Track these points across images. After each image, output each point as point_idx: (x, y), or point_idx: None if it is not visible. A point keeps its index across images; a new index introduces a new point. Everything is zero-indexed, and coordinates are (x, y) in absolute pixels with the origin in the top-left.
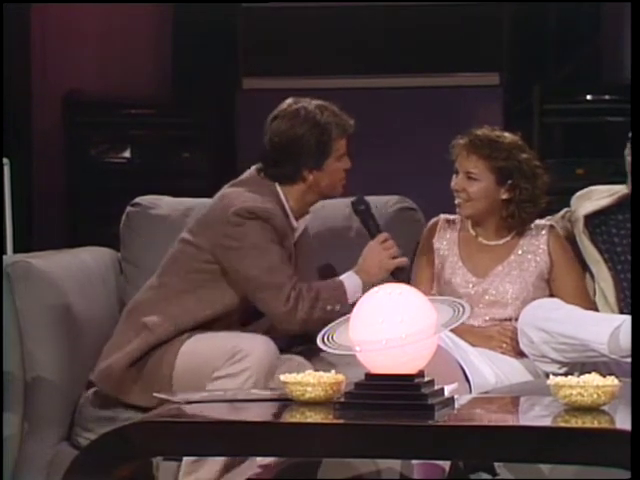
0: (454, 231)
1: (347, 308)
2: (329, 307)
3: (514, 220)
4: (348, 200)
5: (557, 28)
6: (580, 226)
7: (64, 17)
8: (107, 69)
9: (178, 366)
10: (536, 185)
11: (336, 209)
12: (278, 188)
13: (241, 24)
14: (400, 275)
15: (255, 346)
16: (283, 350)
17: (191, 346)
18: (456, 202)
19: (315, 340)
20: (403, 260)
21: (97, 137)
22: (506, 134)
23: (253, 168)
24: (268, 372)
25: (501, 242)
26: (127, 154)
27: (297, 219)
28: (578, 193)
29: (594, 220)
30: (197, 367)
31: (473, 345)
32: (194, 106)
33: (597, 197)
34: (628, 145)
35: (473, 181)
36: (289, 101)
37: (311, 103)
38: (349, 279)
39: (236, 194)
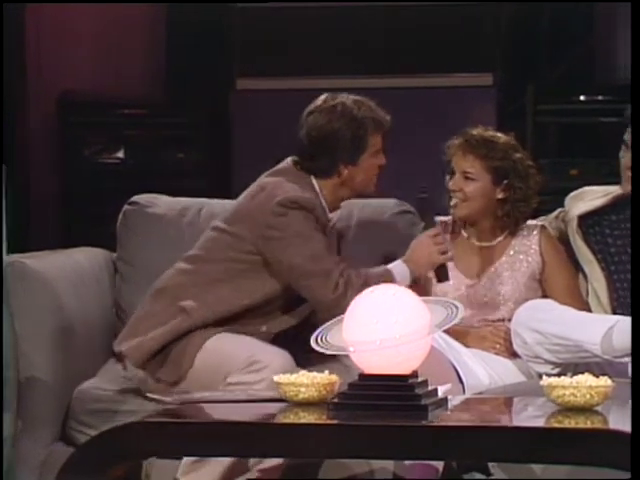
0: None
1: None
2: None
3: (508, 220)
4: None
5: (550, 28)
6: (574, 226)
7: (58, 17)
8: (101, 69)
9: (197, 361)
10: (529, 185)
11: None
12: (314, 181)
13: (235, 24)
14: (442, 272)
15: (273, 359)
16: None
17: (213, 344)
18: (452, 203)
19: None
20: (450, 256)
21: (91, 137)
22: (499, 134)
23: (289, 160)
24: None
25: (493, 243)
26: (121, 154)
27: (331, 212)
28: (572, 194)
29: (587, 220)
30: (213, 367)
31: (466, 346)
32: (188, 106)
33: (591, 197)
34: (623, 147)
35: (470, 181)
36: (326, 96)
37: (348, 98)
38: (397, 268)
39: (277, 184)
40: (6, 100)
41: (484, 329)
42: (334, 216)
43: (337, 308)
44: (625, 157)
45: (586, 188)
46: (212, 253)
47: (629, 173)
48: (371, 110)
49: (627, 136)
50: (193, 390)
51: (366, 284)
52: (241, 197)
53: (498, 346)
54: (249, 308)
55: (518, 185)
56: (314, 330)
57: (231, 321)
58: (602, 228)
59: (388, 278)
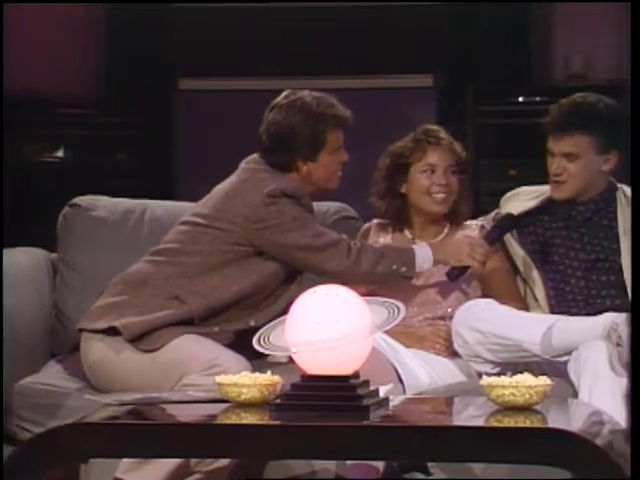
0: (387, 234)
1: (414, 273)
2: (394, 266)
3: (454, 218)
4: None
5: (489, 30)
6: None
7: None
8: (41, 69)
9: (161, 354)
10: (467, 183)
11: None
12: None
13: (177, 24)
14: (456, 274)
15: (233, 364)
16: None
17: (179, 342)
18: (439, 202)
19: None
20: (475, 264)
21: (31, 136)
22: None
23: (256, 156)
24: None
25: (436, 241)
26: (61, 154)
27: None
28: (506, 195)
29: (521, 222)
30: (171, 364)
31: (407, 346)
32: (129, 106)
33: (524, 199)
34: (548, 155)
35: (453, 175)
36: (287, 92)
37: (309, 94)
38: (420, 249)
39: (259, 177)
40: None
41: (424, 329)
42: None
43: (352, 275)
44: (549, 165)
45: (520, 189)
46: (192, 246)
47: (555, 180)
48: (331, 106)
49: (549, 144)
50: (146, 378)
51: (383, 254)
52: (219, 194)
53: (438, 346)
54: (238, 298)
55: (467, 185)
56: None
57: (222, 312)
58: (535, 228)
59: (408, 253)
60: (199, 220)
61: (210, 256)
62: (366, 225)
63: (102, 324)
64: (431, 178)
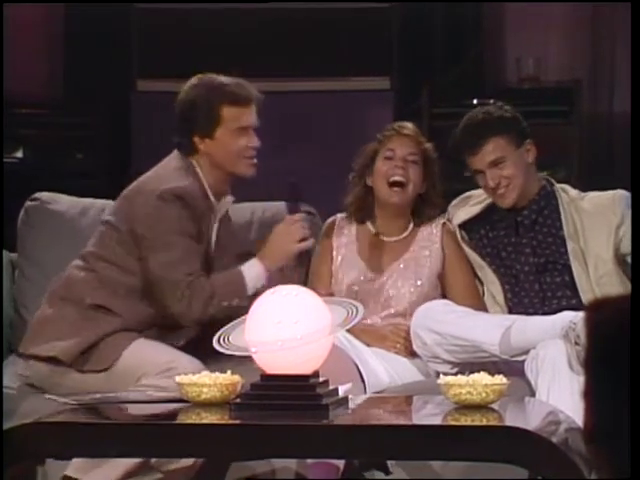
0: (351, 229)
1: (247, 300)
2: (225, 303)
3: (426, 215)
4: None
5: (443, 33)
6: (458, 235)
7: None
8: (0, 69)
9: (120, 360)
10: (438, 189)
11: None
12: (194, 163)
13: (135, 25)
14: (304, 256)
15: (189, 367)
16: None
17: (135, 347)
18: (393, 189)
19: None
20: (307, 244)
21: None
22: None
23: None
24: None
25: (400, 237)
26: (19, 154)
27: (218, 199)
28: (453, 202)
29: (471, 226)
30: (132, 368)
31: (368, 344)
32: (88, 107)
33: (469, 203)
34: (477, 178)
35: (413, 164)
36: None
37: (219, 75)
38: (250, 269)
39: (155, 175)
40: None
41: (385, 328)
42: (224, 205)
43: (183, 319)
44: (485, 184)
45: (465, 194)
46: (103, 249)
47: (498, 191)
48: (234, 84)
49: (474, 165)
50: (103, 388)
51: (212, 295)
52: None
53: (398, 345)
54: (162, 314)
55: (437, 184)
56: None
57: (157, 323)
58: (486, 232)
59: (238, 284)
60: (108, 217)
61: (115, 258)
62: (330, 219)
63: (41, 351)
64: (390, 163)
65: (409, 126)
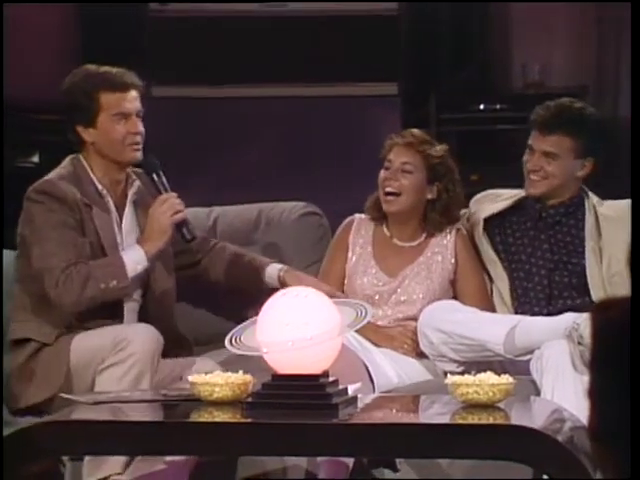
0: (369, 230)
1: (127, 282)
2: (103, 285)
3: (436, 222)
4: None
5: (450, 39)
6: (479, 228)
7: None
8: (16, 75)
9: (72, 364)
10: (458, 191)
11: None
12: (83, 161)
13: (149, 32)
14: (186, 233)
15: (137, 333)
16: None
17: (79, 342)
18: (386, 199)
19: None
20: (180, 216)
21: (6, 141)
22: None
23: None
24: (153, 357)
25: (414, 244)
26: (36, 159)
27: (116, 194)
28: (476, 197)
29: (492, 222)
30: (88, 363)
31: (377, 345)
32: None
33: (495, 200)
34: (527, 151)
35: (407, 174)
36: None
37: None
38: (129, 252)
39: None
40: None
41: (394, 329)
42: (133, 188)
43: (60, 304)
44: (529, 161)
45: (489, 191)
46: (17, 272)
47: (532, 176)
48: (109, 71)
49: (531, 140)
50: (74, 393)
51: (88, 277)
52: None
53: (406, 346)
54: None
55: (451, 189)
56: None
57: (85, 318)
58: (505, 229)
59: (116, 265)
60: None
61: (20, 283)
62: (348, 219)
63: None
64: (386, 173)
65: (410, 134)
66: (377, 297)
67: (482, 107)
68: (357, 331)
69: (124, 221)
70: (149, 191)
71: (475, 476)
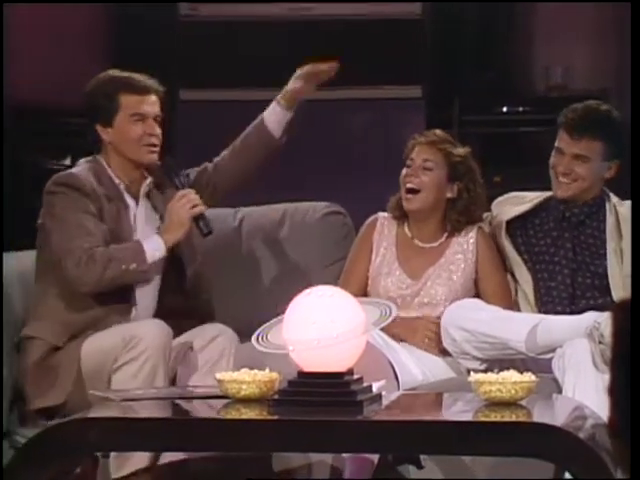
0: (392, 231)
1: (146, 266)
2: (123, 266)
3: (456, 222)
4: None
5: (474, 42)
6: (502, 231)
7: (6, 27)
8: (48, 80)
9: (85, 367)
10: (479, 192)
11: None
12: (101, 159)
13: (178, 36)
14: (203, 227)
15: (148, 329)
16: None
17: (89, 345)
18: (406, 196)
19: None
20: (199, 209)
21: (39, 145)
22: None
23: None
24: (164, 351)
25: (435, 244)
26: (68, 161)
27: (132, 189)
28: (499, 199)
29: (515, 224)
30: (102, 364)
31: (400, 338)
32: None
33: (517, 203)
34: (554, 152)
35: (427, 171)
36: None
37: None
38: (148, 240)
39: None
40: None
41: (417, 321)
42: (145, 185)
43: (81, 284)
44: (558, 164)
45: (512, 194)
46: (37, 269)
47: (561, 179)
48: (132, 75)
49: (558, 143)
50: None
51: (110, 259)
52: None
53: (427, 340)
54: (93, 314)
55: (471, 188)
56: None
57: (97, 322)
58: (527, 230)
59: (136, 249)
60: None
61: (43, 263)
62: (371, 218)
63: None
64: (408, 171)
65: (432, 133)
66: (400, 300)
67: (505, 109)
68: (382, 328)
69: (138, 215)
70: (162, 188)
71: (498, 474)
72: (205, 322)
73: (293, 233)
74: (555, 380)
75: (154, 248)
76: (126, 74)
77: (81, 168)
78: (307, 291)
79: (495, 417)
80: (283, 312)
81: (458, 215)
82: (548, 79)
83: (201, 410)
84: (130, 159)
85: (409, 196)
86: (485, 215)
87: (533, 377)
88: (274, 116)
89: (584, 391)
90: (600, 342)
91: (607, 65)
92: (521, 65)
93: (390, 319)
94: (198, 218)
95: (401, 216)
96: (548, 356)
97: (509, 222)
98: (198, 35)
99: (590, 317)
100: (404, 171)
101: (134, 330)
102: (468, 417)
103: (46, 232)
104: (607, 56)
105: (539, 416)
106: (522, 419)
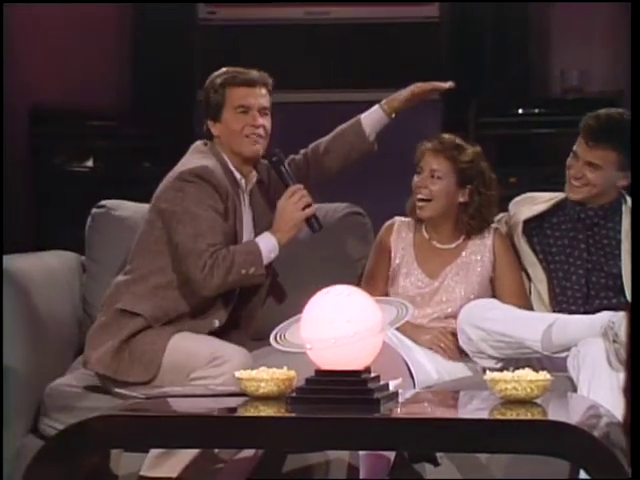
0: (409, 233)
1: (263, 270)
2: (244, 271)
3: (471, 224)
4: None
5: (491, 45)
6: (519, 230)
7: (28, 30)
8: (71, 82)
9: (165, 359)
10: (492, 193)
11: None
12: (218, 148)
13: (198, 41)
14: (314, 224)
15: (234, 354)
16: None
17: (177, 343)
18: (418, 204)
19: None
20: (311, 210)
21: (62, 147)
22: (468, 144)
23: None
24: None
25: (452, 246)
26: (90, 163)
27: (243, 176)
28: (516, 199)
29: (531, 224)
30: (179, 365)
31: (414, 340)
32: (154, 118)
33: (534, 203)
34: (571, 155)
35: (436, 179)
36: None
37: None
38: (264, 241)
39: (181, 162)
40: None
41: (433, 329)
42: (251, 177)
43: (204, 288)
44: (572, 167)
45: (529, 194)
46: (140, 247)
47: (573, 182)
48: (241, 70)
49: (576, 147)
50: (159, 387)
51: (232, 263)
52: None
53: (443, 344)
54: (187, 293)
55: (482, 191)
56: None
57: (184, 317)
58: (544, 230)
59: (255, 254)
60: (146, 219)
61: (150, 255)
62: (389, 222)
63: (83, 365)
64: (418, 179)
65: (438, 140)
66: (419, 298)
67: (521, 111)
68: (397, 329)
69: (244, 212)
70: (264, 185)
71: (513, 472)
72: (253, 336)
73: (314, 234)
74: (570, 379)
75: (269, 249)
76: (238, 69)
77: (210, 163)
78: (325, 290)
79: (510, 415)
80: (301, 311)
81: (470, 218)
82: (564, 81)
83: (221, 407)
84: (236, 152)
85: (421, 204)
86: (501, 215)
87: (548, 376)
88: (371, 120)
89: (599, 389)
90: (614, 341)
91: (622, 67)
92: (537, 67)
93: (406, 318)
94: (310, 216)
95: (418, 219)
96: (563, 355)
97: (526, 222)
98: (217, 40)
99: (605, 316)
100: (415, 178)
101: (223, 349)
102: (484, 415)
103: (172, 219)
104: (622, 59)
105: (554, 414)
106: (537, 417)
